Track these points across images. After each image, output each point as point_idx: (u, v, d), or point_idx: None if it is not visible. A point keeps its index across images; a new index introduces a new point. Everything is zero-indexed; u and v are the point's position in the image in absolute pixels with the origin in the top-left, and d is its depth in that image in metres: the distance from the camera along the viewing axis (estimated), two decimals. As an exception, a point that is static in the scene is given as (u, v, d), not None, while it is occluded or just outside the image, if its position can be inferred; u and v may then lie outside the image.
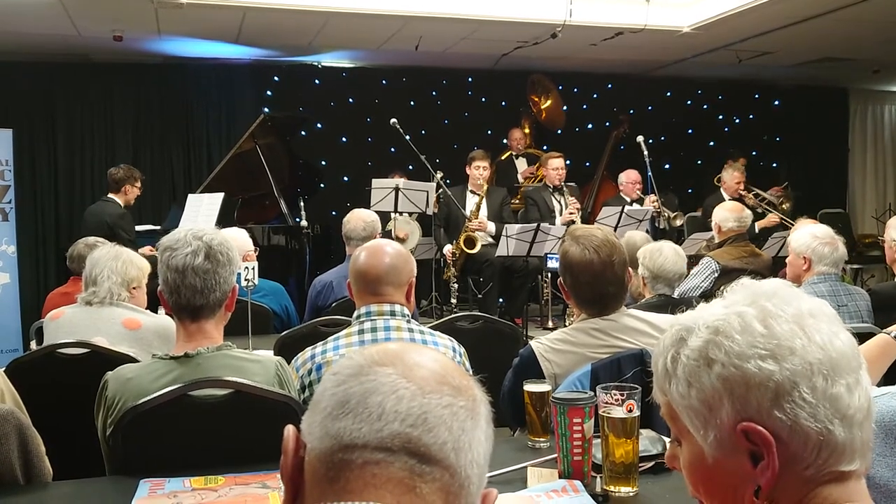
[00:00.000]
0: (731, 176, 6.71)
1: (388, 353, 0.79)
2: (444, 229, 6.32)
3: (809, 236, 3.29)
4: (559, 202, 6.43)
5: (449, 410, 0.75)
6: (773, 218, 6.51)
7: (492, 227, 6.14)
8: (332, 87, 8.13)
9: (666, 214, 6.41)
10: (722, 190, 6.72)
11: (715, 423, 0.84)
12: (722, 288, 0.95)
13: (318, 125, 8.11)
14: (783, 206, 7.06)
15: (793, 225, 5.90)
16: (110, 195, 5.93)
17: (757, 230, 6.21)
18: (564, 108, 8.40)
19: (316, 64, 8.06)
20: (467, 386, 0.79)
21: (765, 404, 0.81)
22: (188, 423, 1.74)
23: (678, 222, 6.46)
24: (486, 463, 0.78)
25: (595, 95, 8.82)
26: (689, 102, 9.10)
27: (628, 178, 6.72)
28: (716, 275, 4.25)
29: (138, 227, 6.22)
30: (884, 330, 2.04)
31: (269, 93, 8.01)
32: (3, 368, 2.28)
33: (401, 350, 0.80)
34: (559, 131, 8.49)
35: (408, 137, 6.16)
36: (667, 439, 1.72)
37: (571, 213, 6.25)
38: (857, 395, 0.82)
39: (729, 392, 0.83)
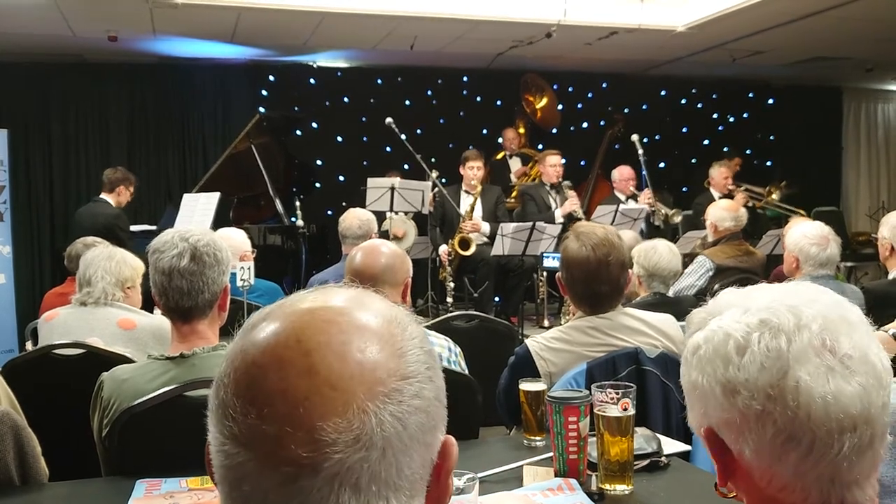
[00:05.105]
0: (719, 172, 6.73)
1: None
2: (439, 229, 6.32)
3: (800, 235, 3.29)
4: (555, 200, 6.44)
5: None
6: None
7: (486, 227, 6.14)
8: (328, 87, 8.13)
9: (663, 212, 6.40)
10: (711, 189, 6.74)
11: None
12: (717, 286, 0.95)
13: (314, 125, 8.11)
14: (771, 195, 7.10)
15: (791, 215, 5.95)
16: (103, 195, 5.91)
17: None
18: (560, 106, 8.41)
19: (311, 64, 8.06)
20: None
21: None
22: (184, 424, 1.72)
23: (677, 219, 6.43)
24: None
25: (590, 95, 8.83)
26: (683, 101, 9.12)
27: (621, 175, 6.62)
28: (710, 273, 4.27)
29: (134, 227, 6.21)
30: (881, 328, 2.05)
31: (264, 92, 8.00)
32: (-1, 369, 2.28)
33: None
34: (554, 130, 8.51)
35: (403, 137, 6.16)
36: (661, 437, 1.73)
37: (574, 205, 6.25)
38: None
39: None
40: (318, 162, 7.95)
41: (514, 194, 7.40)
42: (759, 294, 0.86)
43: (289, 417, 0.62)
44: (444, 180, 6.50)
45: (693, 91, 9.10)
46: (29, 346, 3.12)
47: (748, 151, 8.95)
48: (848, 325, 0.81)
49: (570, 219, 6.10)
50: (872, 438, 0.78)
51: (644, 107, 8.79)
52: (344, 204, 5.72)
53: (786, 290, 0.85)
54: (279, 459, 0.62)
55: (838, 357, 0.79)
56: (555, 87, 8.40)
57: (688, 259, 4.37)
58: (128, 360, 2.15)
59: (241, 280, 2.90)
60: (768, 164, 9.26)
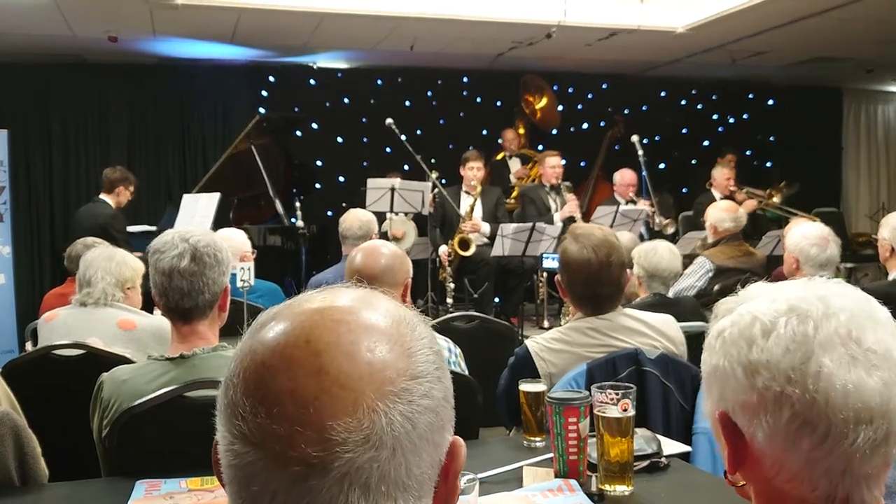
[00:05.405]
0: (721, 173, 6.72)
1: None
2: (439, 229, 6.33)
3: (800, 236, 3.30)
4: (555, 201, 6.45)
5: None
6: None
7: (486, 227, 6.15)
8: (328, 88, 8.14)
9: (659, 221, 6.39)
10: (713, 189, 6.74)
11: None
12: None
13: (314, 125, 8.11)
14: (773, 199, 7.10)
15: (792, 216, 5.96)
16: (102, 196, 5.92)
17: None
18: (560, 107, 8.41)
19: (311, 65, 8.06)
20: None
21: None
22: (184, 425, 1.73)
23: (670, 230, 6.43)
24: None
25: (590, 96, 8.83)
26: (683, 102, 9.12)
27: (622, 180, 6.61)
28: (710, 274, 4.27)
29: (134, 228, 6.21)
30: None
31: (264, 93, 8.00)
32: (-1, 370, 2.28)
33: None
34: (554, 131, 8.51)
35: (403, 138, 6.16)
36: (661, 437, 1.73)
37: (573, 210, 6.25)
38: None
39: None
40: (319, 163, 7.96)
41: (514, 195, 7.41)
42: (789, 286, 0.88)
43: (299, 417, 0.62)
44: (444, 181, 6.50)
45: (693, 92, 9.10)
46: (29, 346, 3.12)
47: (748, 152, 8.96)
48: (874, 322, 0.82)
49: (570, 220, 6.11)
50: (888, 435, 0.79)
51: (644, 108, 8.79)
52: (344, 205, 5.73)
53: (816, 284, 0.87)
54: (289, 459, 0.61)
55: (863, 349, 0.80)
56: (555, 87, 8.40)
57: (687, 260, 4.37)
58: (128, 361, 2.15)
59: (241, 281, 2.90)
60: (768, 164, 9.27)
